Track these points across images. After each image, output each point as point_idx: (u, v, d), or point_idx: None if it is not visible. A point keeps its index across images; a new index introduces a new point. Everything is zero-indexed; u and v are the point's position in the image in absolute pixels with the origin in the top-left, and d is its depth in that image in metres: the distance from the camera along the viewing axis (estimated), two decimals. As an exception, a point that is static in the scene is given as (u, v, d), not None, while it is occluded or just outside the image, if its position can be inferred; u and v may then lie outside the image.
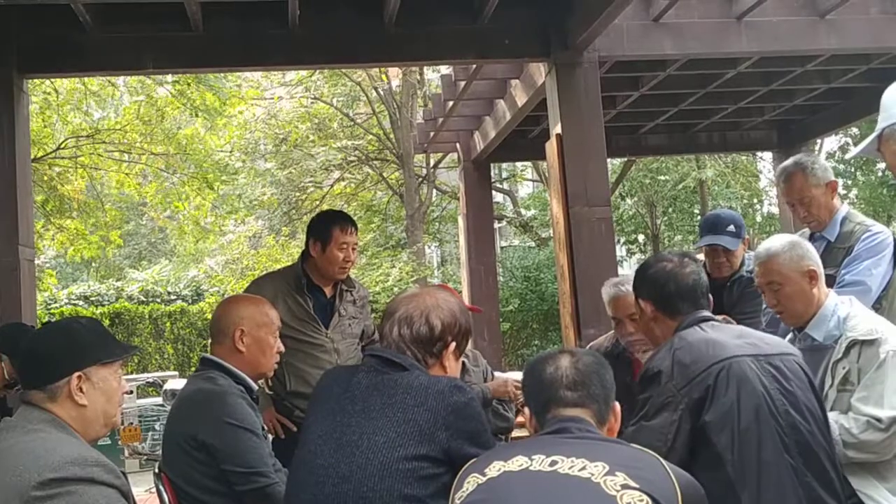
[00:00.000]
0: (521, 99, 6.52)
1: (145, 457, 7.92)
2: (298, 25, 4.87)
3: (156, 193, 15.13)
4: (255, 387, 2.93)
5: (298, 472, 2.13)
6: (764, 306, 3.36)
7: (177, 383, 8.57)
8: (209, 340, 3.02)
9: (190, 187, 14.65)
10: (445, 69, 7.22)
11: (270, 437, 3.46)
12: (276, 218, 17.48)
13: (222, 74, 13.94)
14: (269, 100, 15.79)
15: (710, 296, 2.73)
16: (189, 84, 13.25)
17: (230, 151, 16.47)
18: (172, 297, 14.71)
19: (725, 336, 2.39)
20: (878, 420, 2.53)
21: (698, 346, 2.34)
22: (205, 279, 15.97)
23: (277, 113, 15.83)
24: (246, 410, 2.73)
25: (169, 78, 13.06)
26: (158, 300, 14.45)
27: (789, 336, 2.98)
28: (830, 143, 19.55)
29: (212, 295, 14.63)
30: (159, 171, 14.83)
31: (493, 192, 14.70)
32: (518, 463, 1.80)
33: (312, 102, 15.93)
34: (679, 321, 2.49)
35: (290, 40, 5.03)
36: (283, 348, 3.02)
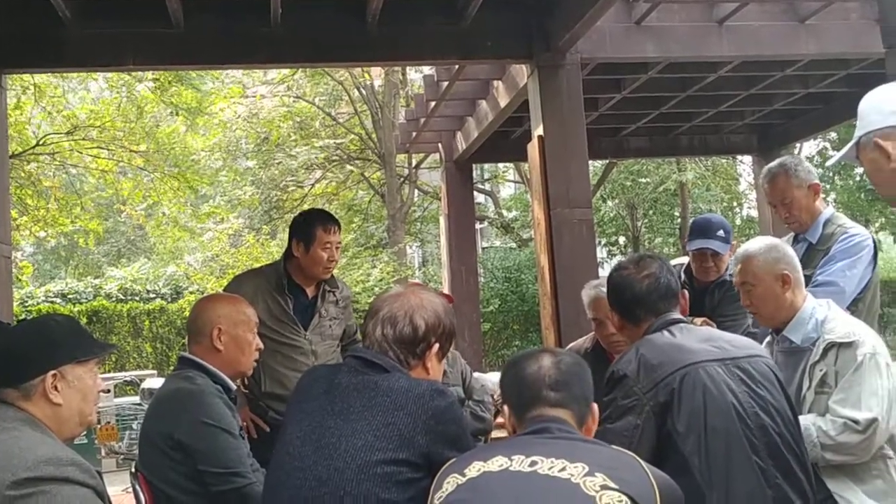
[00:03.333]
0: (503, 100, 6.52)
1: (122, 456, 7.86)
2: (280, 23, 4.84)
3: (133, 189, 15.02)
4: (234, 386, 2.91)
5: (276, 473, 2.11)
6: None
7: (155, 382, 8.52)
8: (188, 339, 3.00)
9: (168, 186, 14.56)
10: (428, 69, 7.21)
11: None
12: (256, 216, 17.41)
13: (204, 72, 13.86)
14: (250, 98, 15.72)
15: (689, 296, 2.74)
16: (170, 82, 13.16)
17: (210, 151, 16.37)
18: (151, 296, 14.61)
19: (692, 340, 2.38)
20: (856, 422, 2.55)
21: (664, 349, 2.34)
22: (184, 277, 15.86)
23: (259, 111, 15.76)
24: (223, 410, 2.71)
25: (150, 75, 12.97)
26: (137, 298, 14.35)
27: (768, 338, 3.00)
28: (809, 147, 19.76)
29: (191, 293, 14.54)
30: (138, 169, 14.72)
31: (475, 193, 14.72)
32: (498, 463, 1.80)
33: (294, 101, 15.87)
34: (643, 327, 2.48)
35: (272, 38, 5.00)
36: (262, 346, 3.01)
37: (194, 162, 15.81)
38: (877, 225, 19.65)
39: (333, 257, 3.84)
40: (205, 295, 6.23)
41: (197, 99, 14.11)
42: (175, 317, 13.92)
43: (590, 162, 7.44)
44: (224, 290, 4.00)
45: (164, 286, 15.18)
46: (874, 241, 3.55)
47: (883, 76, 2.25)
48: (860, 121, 2.03)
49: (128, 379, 10.59)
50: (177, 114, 14.22)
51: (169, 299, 14.57)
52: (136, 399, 8.95)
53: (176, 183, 14.56)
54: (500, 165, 19.38)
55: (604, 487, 1.69)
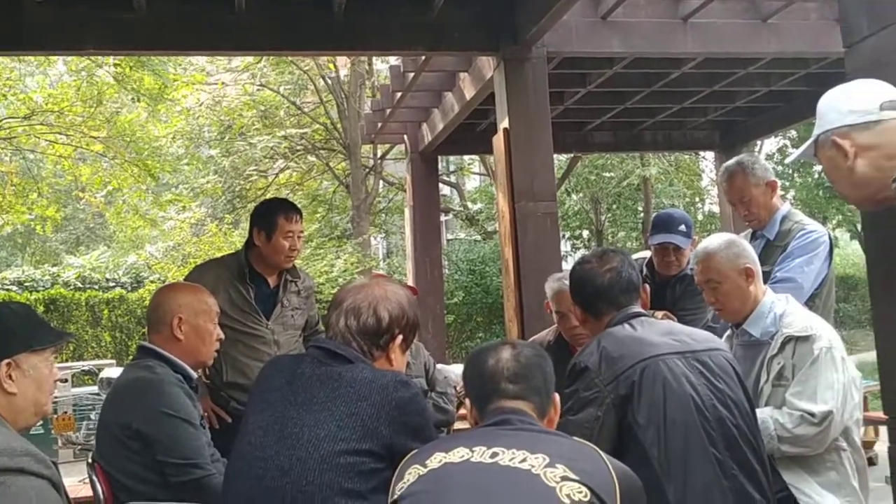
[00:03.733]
0: (469, 92, 6.52)
1: (79, 446, 7.74)
2: (246, 10, 4.78)
3: (92, 176, 14.77)
4: (195, 375, 2.89)
5: (237, 463, 2.10)
6: None
7: (113, 371, 8.41)
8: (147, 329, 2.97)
9: (129, 173, 14.33)
10: (394, 60, 7.18)
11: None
12: (219, 206, 17.23)
13: (166, 58, 13.65)
14: (213, 85, 15.53)
15: (651, 290, 2.77)
16: (131, 67, 12.94)
17: (172, 138, 16.15)
18: (111, 284, 14.39)
19: (653, 333, 2.41)
20: (812, 415, 2.60)
21: (625, 342, 2.37)
22: (145, 266, 15.65)
23: (222, 99, 15.58)
24: (183, 400, 2.69)
25: (111, 60, 12.75)
26: (96, 287, 14.12)
27: (728, 332, 3.05)
28: (770, 144, 20.03)
29: (152, 282, 14.34)
30: (97, 156, 14.48)
31: (441, 185, 14.70)
32: (459, 454, 1.80)
33: (258, 89, 15.71)
34: (605, 320, 2.51)
35: (237, 25, 4.93)
36: (222, 335, 2.99)
37: (156, 149, 15.57)
38: (834, 222, 20.01)
39: (295, 246, 3.82)
40: (165, 284, 6.16)
41: (159, 85, 13.87)
42: (135, 306, 13.72)
43: (555, 156, 7.46)
44: (185, 280, 3.96)
45: (124, 275, 14.95)
46: (830, 238, 3.62)
47: (842, 76, 2.28)
48: (819, 119, 2.07)
49: (86, 368, 10.44)
50: (138, 100, 13.98)
51: (129, 288, 14.36)
52: (94, 389, 8.83)
53: (136, 170, 14.34)
54: (466, 158, 19.38)
55: (564, 479, 1.70)
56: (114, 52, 8.22)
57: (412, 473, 1.82)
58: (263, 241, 3.79)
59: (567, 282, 3.41)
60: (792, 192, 19.37)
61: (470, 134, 8.17)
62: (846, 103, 2.00)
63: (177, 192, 17.55)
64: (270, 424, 2.05)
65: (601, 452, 1.85)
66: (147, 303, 3.04)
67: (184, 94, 15.25)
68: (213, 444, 2.75)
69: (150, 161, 14.60)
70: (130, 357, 7.43)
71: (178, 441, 2.60)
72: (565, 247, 20.11)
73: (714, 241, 2.95)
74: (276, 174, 16.61)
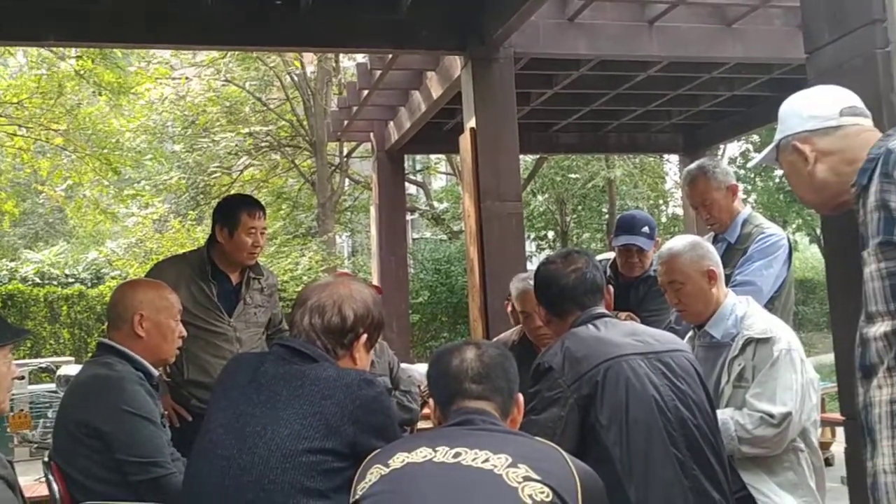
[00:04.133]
0: (436, 91, 6.52)
1: (36, 445, 7.61)
2: (211, 4, 4.73)
3: (53, 169, 14.52)
4: (156, 373, 2.85)
5: (198, 461, 2.07)
6: None
7: (71, 369, 8.27)
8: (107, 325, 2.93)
9: (90, 167, 14.10)
10: (361, 57, 7.15)
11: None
12: (182, 202, 17.03)
13: (129, 51, 13.46)
14: (177, 80, 15.34)
15: (615, 291, 2.79)
16: (92, 60, 12.73)
17: (135, 132, 15.93)
18: (70, 280, 14.16)
19: (616, 334, 2.43)
20: (771, 416, 2.63)
21: (589, 343, 2.38)
22: (105, 262, 15.41)
23: (187, 94, 15.39)
24: (144, 398, 2.65)
25: (73, 52, 12.54)
26: (55, 283, 13.90)
27: (689, 334, 3.08)
28: (733, 148, 20.27)
29: (113, 279, 14.14)
30: (58, 149, 14.23)
31: (407, 184, 14.68)
32: (422, 454, 1.80)
33: (224, 85, 15.55)
34: (569, 320, 2.52)
35: (202, 19, 4.88)
36: (185, 332, 2.96)
37: (118, 143, 15.34)
38: (794, 226, 20.31)
39: (258, 243, 3.79)
40: (126, 280, 6.08)
41: (118, 77, 13.65)
42: (95, 302, 13.52)
43: (521, 156, 7.49)
44: (146, 277, 3.91)
45: (83, 271, 14.72)
46: (789, 241, 3.68)
47: (803, 81, 2.32)
48: (780, 124, 2.09)
49: (43, 366, 10.25)
50: (100, 93, 13.74)
51: (89, 284, 14.14)
52: (52, 386, 8.67)
53: (98, 164, 14.12)
54: (433, 157, 19.38)
55: (526, 479, 1.71)
56: (74, 44, 8.11)
57: (374, 473, 1.81)
58: (226, 237, 3.76)
59: (531, 282, 3.43)
60: (753, 196, 19.63)
61: (436, 133, 8.17)
62: (807, 109, 2.03)
63: (139, 188, 17.30)
64: (232, 423, 2.03)
65: (563, 452, 1.85)
66: (107, 299, 3.00)
67: (147, 88, 15.05)
68: (171, 444, 2.72)
69: (112, 155, 14.38)
70: (89, 354, 7.32)
71: (138, 439, 2.57)
72: (530, 247, 20.18)
73: (678, 242, 2.98)
74: (241, 171, 16.47)
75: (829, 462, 5.90)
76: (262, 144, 15.86)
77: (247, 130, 15.14)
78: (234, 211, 3.78)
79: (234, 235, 3.75)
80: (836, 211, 2.07)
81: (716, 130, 8.91)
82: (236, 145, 15.41)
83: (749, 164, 13.44)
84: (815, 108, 2.02)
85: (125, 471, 2.56)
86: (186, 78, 15.00)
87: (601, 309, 2.54)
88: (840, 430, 6.35)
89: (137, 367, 2.74)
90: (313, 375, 2.04)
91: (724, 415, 2.66)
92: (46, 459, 2.78)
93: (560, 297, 2.54)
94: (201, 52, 14.02)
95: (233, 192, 14.65)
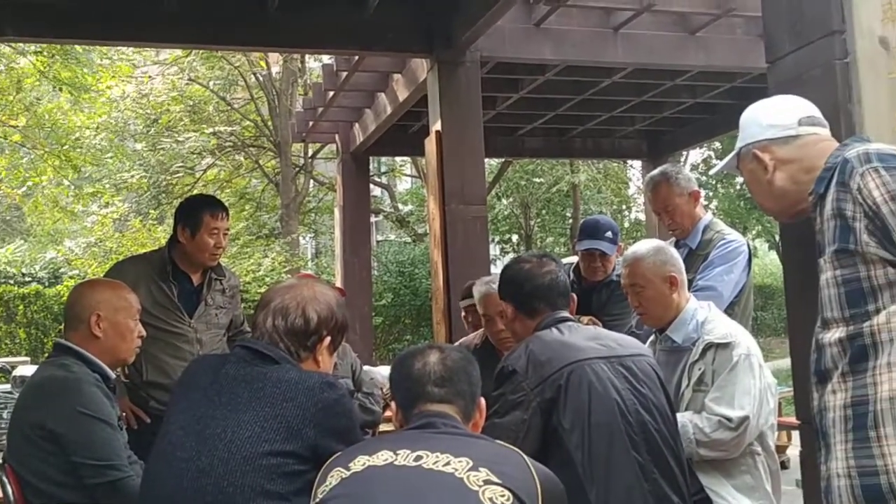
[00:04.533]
0: (402, 94, 6.51)
1: (-11, 447, 7.46)
2: (176, 1, 4.68)
3: (10, 167, 14.24)
4: (113, 375, 2.81)
5: (156, 464, 2.04)
6: None
7: (27, 369, 8.13)
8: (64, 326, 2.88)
9: (49, 164, 13.86)
10: (327, 58, 7.12)
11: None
12: (144, 201, 16.82)
13: (91, 48, 13.26)
14: (139, 78, 15.15)
15: (578, 297, 2.81)
16: (53, 56, 12.52)
17: (96, 130, 15.69)
18: (27, 279, 13.92)
19: (580, 338, 2.45)
20: (729, 420, 2.67)
21: (553, 346, 2.39)
22: (64, 262, 15.16)
23: (150, 92, 15.20)
24: (101, 400, 2.62)
25: (32, 47, 12.31)
26: (11, 281, 13.66)
27: (651, 338, 3.11)
28: (695, 155, 20.51)
29: (71, 278, 13.93)
30: (16, 146, 13.96)
31: (371, 186, 14.63)
32: (383, 457, 1.79)
33: (187, 84, 15.39)
34: (538, 320, 2.54)
35: (166, 17, 4.82)
36: (144, 332, 2.92)
37: (78, 140, 15.10)
38: (754, 232, 20.59)
39: (220, 244, 3.76)
40: (84, 280, 5.99)
41: (82, 75, 13.43)
42: (52, 302, 13.30)
43: (486, 160, 7.51)
44: (105, 277, 3.85)
45: (41, 270, 14.48)
46: (749, 248, 3.73)
47: (765, 90, 2.35)
48: (741, 132, 2.12)
49: (-2, 366, 10.06)
50: (60, 89, 13.51)
51: (46, 283, 13.91)
52: (7, 387, 8.48)
53: (57, 161, 13.88)
54: (398, 159, 19.36)
55: (487, 482, 1.71)
56: (34, 40, 7.94)
57: (335, 476, 1.80)
58: (188, 237, 3.72)
59: (495, 285, 3.44)
60: (715, 203, 19.87)
61: (402, 135, 8.16)
62: (767, 118, 2.06)
63: (99, 186, 17.04)
64: (192, 424, 2.01)
65: (524, 456, 1.86)
66: (65, 299, 2.95)
67: (108, 86, 14.84)
68: (128, 447, 2.68)
69: (72, 153, 14.15)
70: (46, 355, 7.20)
71: (95, 442, 2.54)
72: (494, 251, 20.25)
73: (643, 246, 3.01)
74: (204, 171, 16.30)
75: (784, 465, 6.00)
76: (226, 144, 15.72)
77: (210, 130, 14.99)
78: (196, 211, 3.75)
79: (195, 236, 3.71)
80: (795, 219, 2.10)
81: (679, 137, 9.01)
82: (200, 145, 15.25)
83: (710, 172, 13.63)
84: (775, 117, 2.05)
85: (81, 474, 2.52)
86: (150, 77, 14.83)
87: (566, 313, 2.57)
88: (796, 434, 6.45)
89: (94, 368, 2.70)
90: (275, 378, 2.02)
91: (683, 418, 2.69)
92: (0, 462, 2.72)
93: (532, 296, 2.56)
94: (165, 50, 13.87)
95: (196, 191, 14.52)
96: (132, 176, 16.24)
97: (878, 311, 1.72)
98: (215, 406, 2.00)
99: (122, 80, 14.86)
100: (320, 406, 1.97)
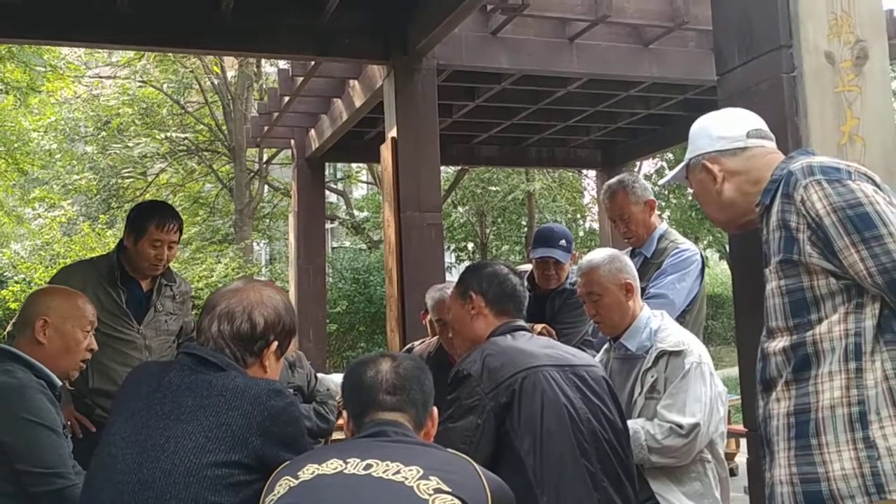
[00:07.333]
0: (358, 100, 6.49)
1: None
2: (127, 2, 4.61)
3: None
4: (59, 382, 2.74)
5: (97, 475, 1.98)
6: None
7: (-30, 377, 7.89)
8: (7, 331, 2.81)
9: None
10: (283, 63, 7.07)
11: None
12: (93, 204, 16.49)
13: (40, 48, 12.97)
14: (91, 79, 14.87)
15: (532, 305, 2.84)
16: (1, 57, 12.23)
17: (44, 131, 15.36)
18: (-30, 283, 13.53)
19: (534, 346, 2.49)
20: (680, 427, 2.70)
21: (508, 352, 2.42)
22: (9, 265, 14.79)
23: (101, 94, 14.93)
24: (46, 406, 2.55)
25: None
26: (-47, 286, 13.26)
27: (605, 346, 3.14)
28: (648, 165, 20.77)
29: (16, 283, 13.54)
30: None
31: (327, 192, 14.55)
32: (332, 466, 1.77)
33: (140, 86, 15.15)
34: (501, 321, 2.57)
35: (118, 18, 4.73)
36: (95, 346, 2.84)
37: (25, 142, 14.76)
38: (705, 242, 20.90)
39: (161, 256, 3.68)
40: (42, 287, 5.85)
41: (30, 76, 13.13)
42: (-4, 306, 12.96)
43: (442, 167, 7.51)
44: (51, 282, 3.77)
45: (-15, 274, 14.09)
46: (702, 257, 3.78)
47: (715, 102, 2.39)
48: (690, 144, 2.16)
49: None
50: (6, 91, 13.19)
51: (-10, 288, 13.54)
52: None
53: (3, 163, 13.55)
54: (354, 166, 19.28)
55: (437, 490, 1.70)
56: (-17, 39, 7.74)
57: (283, 485, 1.78)
58: (131, 243, 3.68)
59: (449, 291, 3.45)
60: (667, 213, 20.15)
61: (358, 142, 8.13)
62: (716, 130, 2.10)
63: (47, 189, 16.68)
64: (133, 435, 1.95)
65: (475, 464, 1.86)
66: (10, 304, 2.88)
67: (58, 87, 14.54)
68: (73, 455, 2.62)
69: (19, 154, 13.82)
70: (-11, 361, 7.01)
71: (40, 449, 2.47)
72: (449, 258, 20.27)
73: (598, 255, 3.04)
74: (157, 174, 16.05)
75: (733, 472, 6.08)
76: (179, 149, 15.50)
77: (163, 135, 14.77)
78: (143, 219, 3.68)
79: (137, 244, 3.65)
80: (743, 229, 2.14)
81: (633, 147, 9.12)
82: (152, 150, 15.02)
83: (660, 182, 13.82)
84: (724, 129, 2.09)
85: (24, 482, 2.45)
86: (100, 79, 14.57)
87: (522, 322, 2.61)
88: (744, 442, 6.56)
89: (39, 374, 2.63)
90: (220, 385, 1.97)
91: (635, 424, 2.72)
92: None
93: (507, 296, 2.61)
94: (117, 51, 13.64)
95: (147, 195, 14.29)
96: (81, 178, 15.93)
97: (820, 321, 1.75)
98: (158, 416, 1.95)
99: (73, 81, 14.57)
100: (266, 414, 1.93)
